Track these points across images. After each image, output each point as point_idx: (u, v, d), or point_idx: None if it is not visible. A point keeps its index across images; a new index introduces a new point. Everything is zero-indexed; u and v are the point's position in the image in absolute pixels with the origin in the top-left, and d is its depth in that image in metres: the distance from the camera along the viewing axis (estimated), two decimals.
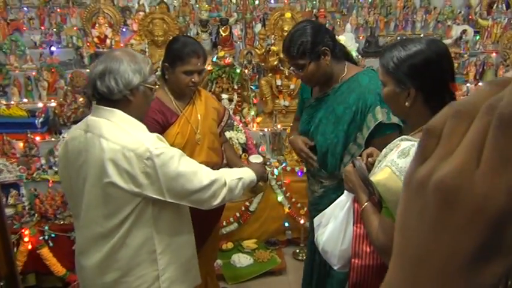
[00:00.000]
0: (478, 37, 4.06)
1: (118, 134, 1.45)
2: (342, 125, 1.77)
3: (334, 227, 1.44)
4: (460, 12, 4.14)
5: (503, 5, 4.07)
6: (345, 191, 1.44)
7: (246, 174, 1.72)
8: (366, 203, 1.28)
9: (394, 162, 1.15)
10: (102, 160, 1.42)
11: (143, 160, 1.42)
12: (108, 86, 1.45)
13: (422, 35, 3.94)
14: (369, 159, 1.38)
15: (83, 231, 1.56)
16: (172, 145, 1.66)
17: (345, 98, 1.78)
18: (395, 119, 1.66)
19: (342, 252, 1.42)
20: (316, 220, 1.56)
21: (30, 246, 2.81)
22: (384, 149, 1.29)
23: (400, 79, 1.24)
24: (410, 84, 1.23)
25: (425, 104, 1.24)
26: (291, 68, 1.89)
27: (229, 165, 2.16)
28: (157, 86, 1.62)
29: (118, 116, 1.48)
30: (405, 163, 1.13)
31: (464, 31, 3.89)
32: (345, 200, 1.42)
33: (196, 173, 1.52)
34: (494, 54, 3.94)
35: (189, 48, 1.96)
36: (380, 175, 1.16)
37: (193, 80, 1.97)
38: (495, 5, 4.06)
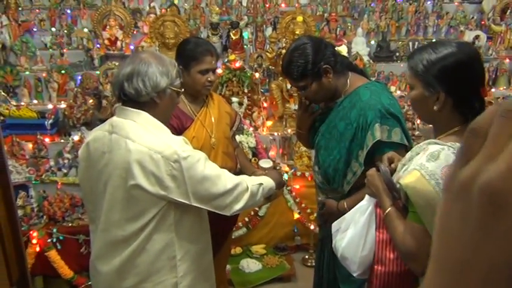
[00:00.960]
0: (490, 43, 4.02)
1: (145, 135, 1.42)
2: (344, 142, 1.72)
3: (354, 232, 1.40)
4: (473, 17, 4.11)
5: None
6: (366, 196, 1.40)
7: (266, 181, 1.69)
8: (390, 208, 1.24)
9: (423, 166, 1.12)
10: (128, 162, 1.39)
11: (170, 163, 1.39)
12: (136, 88, 1.44)
13: (434, 40, 3.90)
14: (392, 165, 1.34)
15: (102, 235, 1.51)
16: None
17: (347, 113, 1.73)
18: (396, 138, 1.60)
19: (363, 258, 1.38)
20: (334, 225, 1.52)
21: (38, 249, 2.79)
22: (409, 152, 1.25)
23: (429, 82, 1.20)
24: (440, 88, 1.19)
25: (454, 109, 1.21)
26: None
27: (242, 171, 2.13)
28: (182, 90, 1.59)
29: (144, 118, 1.46)
30: (435, 167, 1.10)
31: (477, 37, 3.87)
32: (366, 204, 1.39)
33: (220, 177, 1.50)
34: (507, 60, 3.91)
35: (202, 48, 1.96)
36: (408, 178, 1.13)
37: (209, 79, 1.97)
38: (508, 11, 4.02)
